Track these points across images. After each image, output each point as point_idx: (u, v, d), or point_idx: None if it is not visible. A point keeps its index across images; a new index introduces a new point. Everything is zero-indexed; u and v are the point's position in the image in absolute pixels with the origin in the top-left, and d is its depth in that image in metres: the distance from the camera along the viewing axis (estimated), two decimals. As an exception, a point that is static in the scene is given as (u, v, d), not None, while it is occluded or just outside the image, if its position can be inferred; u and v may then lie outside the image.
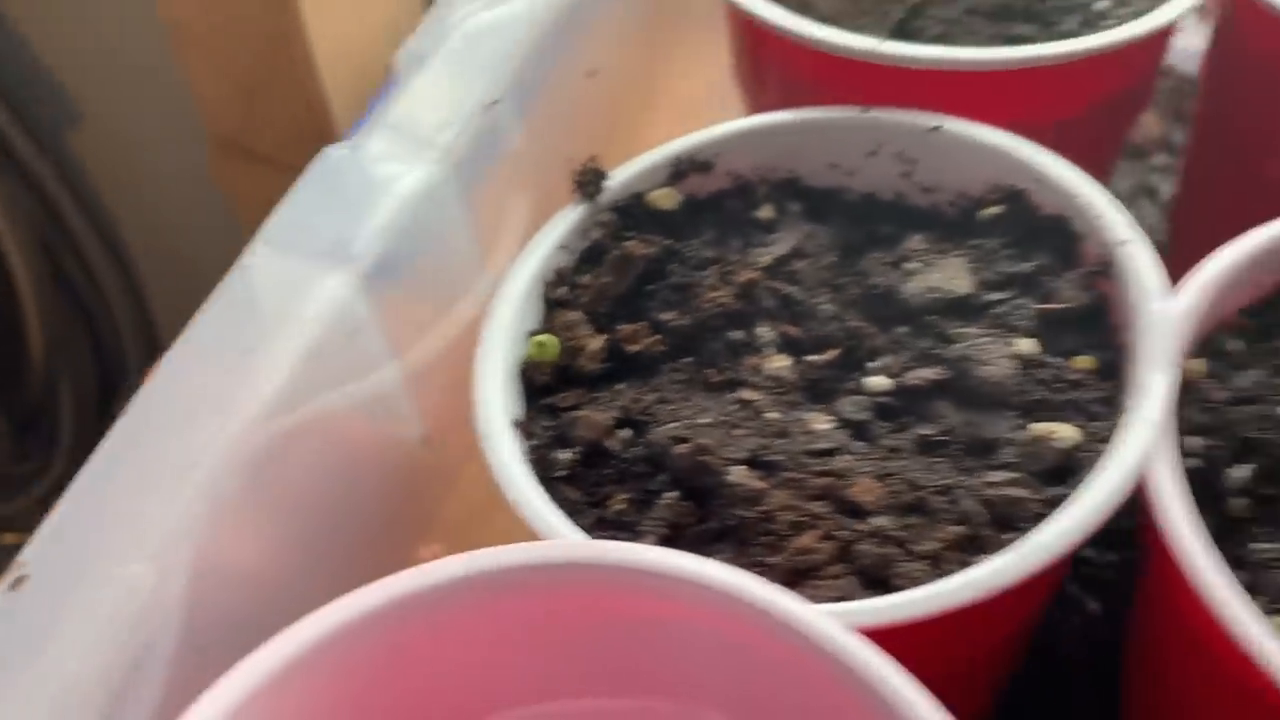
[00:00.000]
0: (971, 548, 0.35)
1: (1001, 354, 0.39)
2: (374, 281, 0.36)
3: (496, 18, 0.43)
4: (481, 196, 0.43)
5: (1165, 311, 0.37)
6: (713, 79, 0.58)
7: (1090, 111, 0.51)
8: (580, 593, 0.34)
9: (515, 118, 0.47)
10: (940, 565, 0.35)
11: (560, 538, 0.36)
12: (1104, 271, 0.41)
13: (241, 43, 0.67)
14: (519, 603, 0.33)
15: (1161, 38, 0.51)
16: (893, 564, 0.35)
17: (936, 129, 0.47)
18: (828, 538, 0.36)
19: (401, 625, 0.32)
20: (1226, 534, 0.38)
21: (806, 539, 0.36)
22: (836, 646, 0.30)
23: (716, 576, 0.31)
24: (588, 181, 0.47)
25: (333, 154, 0.38)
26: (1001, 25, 0.55)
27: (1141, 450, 0.34)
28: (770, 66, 0.55)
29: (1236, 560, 0.38)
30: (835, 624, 0.30)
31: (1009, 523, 0.36)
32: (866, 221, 0.48)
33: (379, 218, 0.37)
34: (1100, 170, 0.59)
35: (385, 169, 0.38)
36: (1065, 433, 0.37)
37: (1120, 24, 0.50)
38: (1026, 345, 0.40)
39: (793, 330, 0.44)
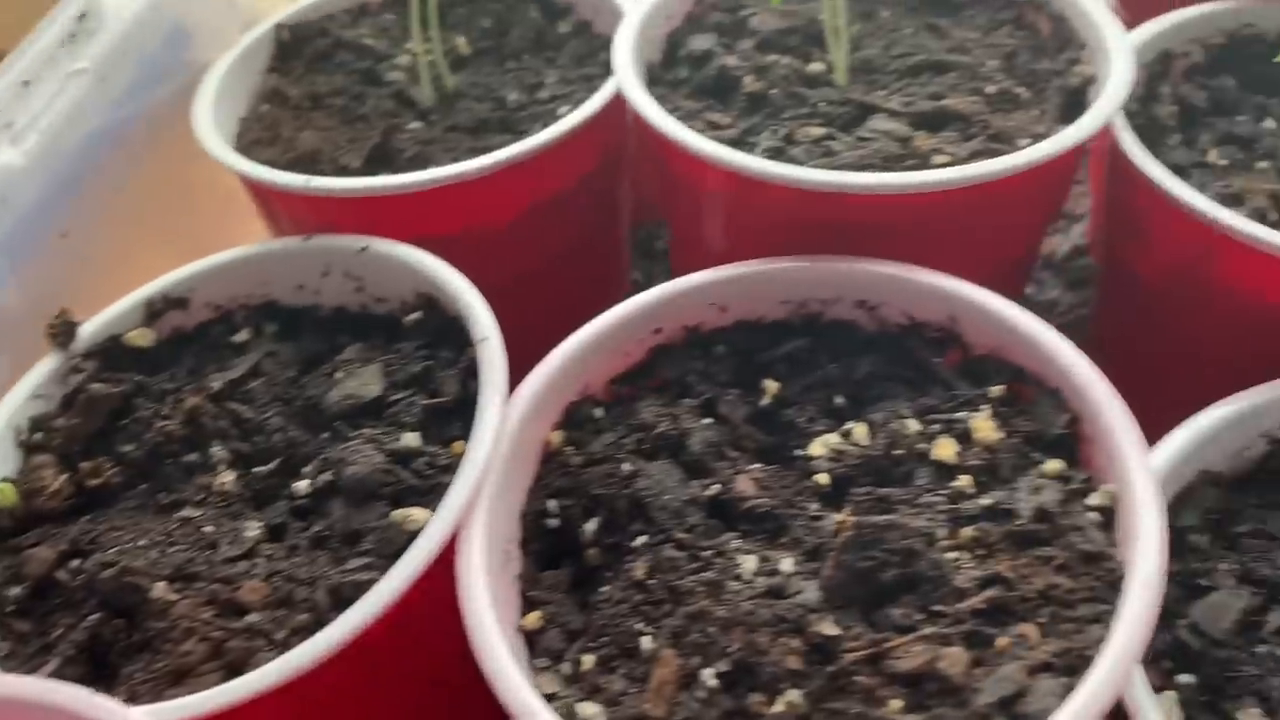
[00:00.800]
0: (315, 631, 0.40)
1: (371, 452, 0.45)
2: None
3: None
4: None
5: (490, 400, 0.44)
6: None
7: (534, 211, 0.57)
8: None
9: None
10: (289, 651, 0.40)
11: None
12: (472, 367, 0.47)
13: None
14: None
15: (575, 144, 0.57)
16: (254, 655, 0.40)
17: (364, 249, 0.52)
18: (204, 639, 0.41)
19: None
20: (583, 582, 0.44)
21: (189, 643, 0.41)
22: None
23: (38, 694, 0.36)
24: (59, 332, 0.52)
25: None
26: (480, 139, 0.61)
27: (444, 525, 0.40)
28: (273, 212, 0.61)
29: (585, 604, 0.44)
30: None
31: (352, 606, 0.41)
32: (333, 334, 0.54)
33: None
34: (581, 257, 0.65)
35: None
36: (418, 515, 0.43)
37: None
38: (411, 438, 0.46)
39: (244, 446, 0.49)
